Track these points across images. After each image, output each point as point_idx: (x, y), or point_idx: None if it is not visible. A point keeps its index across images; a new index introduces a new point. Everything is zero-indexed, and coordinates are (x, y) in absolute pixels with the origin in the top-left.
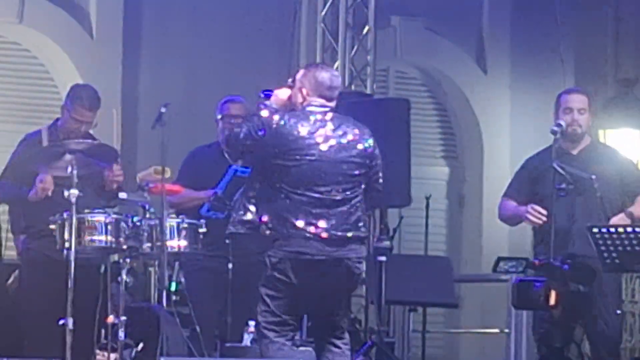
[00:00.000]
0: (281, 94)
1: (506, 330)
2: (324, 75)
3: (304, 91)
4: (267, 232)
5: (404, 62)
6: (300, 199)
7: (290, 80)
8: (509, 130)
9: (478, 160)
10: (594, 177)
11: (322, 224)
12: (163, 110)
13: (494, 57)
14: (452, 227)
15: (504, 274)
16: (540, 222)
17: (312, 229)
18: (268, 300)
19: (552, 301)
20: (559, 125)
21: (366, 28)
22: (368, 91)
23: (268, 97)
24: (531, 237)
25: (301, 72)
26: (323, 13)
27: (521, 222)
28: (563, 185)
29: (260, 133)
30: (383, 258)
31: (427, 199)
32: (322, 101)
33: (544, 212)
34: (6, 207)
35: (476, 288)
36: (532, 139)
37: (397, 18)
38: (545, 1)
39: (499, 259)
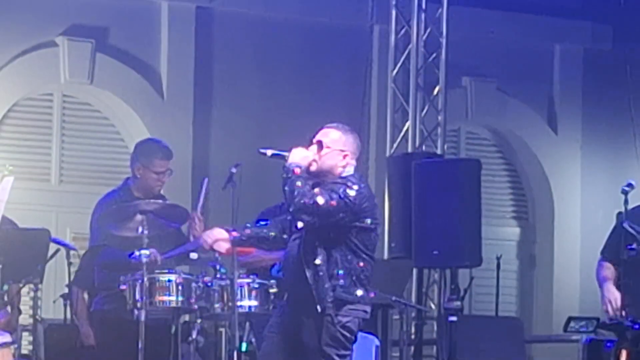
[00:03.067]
0: (300, 153)
1: None
2: (359, 142)
3: (348, 155)
4: (346, 296)
5: (474, 122)
6: (370, 262)
7: (315, 140)
8: (580, 191)
9: (549, 221)
10: None
11: None
12: (234, 170)
13: (564, 117)
14: (522, 288)
15: (575, 333)
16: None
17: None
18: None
19: None
20: (630, 185)
21: (437, 88)
22: (439, 152)
23: (278, 156)
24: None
25: (337, 133)
26: (394, 73)
27: None
28: (634, 246)
29: (351, 194)
30: (454, 318)
31: (498, 259)
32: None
33: (618, 305)
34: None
35: (547, 348)
36: (603, 199)
37: (467, 79)
38: (617, 61)
39: (570, 319)
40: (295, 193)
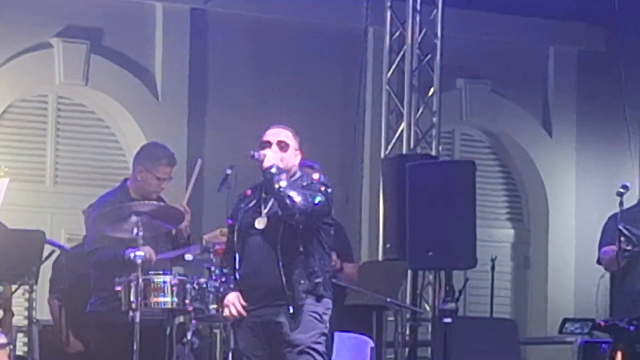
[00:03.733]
0: (274, 155)
1: None
2: None
3: (299, 154)
4: (325, 292)
5: (469, 124)
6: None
7: (276, 140)
8: (575, 193)
9: (543, 222)
10: None
11: None
12: (229, 172)
13: (559, 119)
14: (517, 289)
15: (570, 335)
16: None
17: None
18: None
19: None
20: (625, 187)
21: (431, 90)
22: (433, 153)
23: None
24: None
25: (289, 133)
26: (389, 75)
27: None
28: (629, 247)
29: (329, 191)
30: (448, 320)
31: (493, 261)
32: None
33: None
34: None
35: (542, 350)
36: (598, 201)
37: (462, 80)
38: (611, 64)
39: (565, 321)
40: (294, 196)
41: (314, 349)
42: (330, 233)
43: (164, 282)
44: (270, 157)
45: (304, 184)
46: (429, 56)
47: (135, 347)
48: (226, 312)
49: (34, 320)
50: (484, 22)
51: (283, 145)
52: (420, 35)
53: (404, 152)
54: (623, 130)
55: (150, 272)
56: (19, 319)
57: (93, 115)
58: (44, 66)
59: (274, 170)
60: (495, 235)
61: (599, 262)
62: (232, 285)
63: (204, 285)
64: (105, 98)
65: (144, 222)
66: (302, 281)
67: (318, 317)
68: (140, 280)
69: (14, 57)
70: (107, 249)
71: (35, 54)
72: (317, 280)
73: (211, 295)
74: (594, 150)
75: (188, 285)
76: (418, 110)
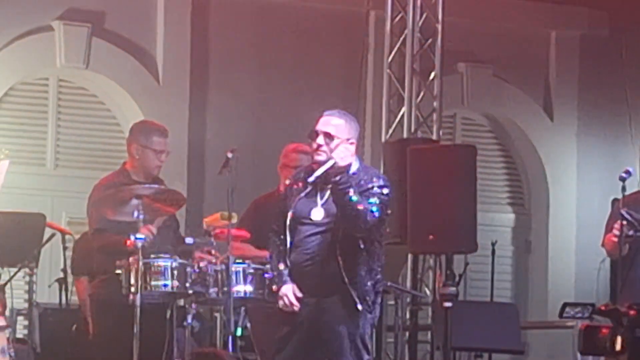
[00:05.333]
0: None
1: None
2: (358, 125)
3: (354, 143)
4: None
5: (470, 108)
6: None
7: (321, 130)
8: (576, 177)
9: (544, 207)
10: None
11: None
12: (230, 155)
13: (561, 104)
14: (518, 274)
15: (570, 319)
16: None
17: None
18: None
19: (618, 347)
20: (628, 172)
21: (432, 74)
22: (434, 137)
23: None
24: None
25: (341, 122)
26: (390, 59)
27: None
28: (631, 232)
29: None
30: (449, 304)
31: (493, 245)
32: None
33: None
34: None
35: (542, 334)
36: (599, 185)
37: (463, 65)
38: (613, 48)
39: (565, 305)
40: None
41: (362, 337)
42: (385, 230)
43: (165, 265)
44: (324, 154)
45: (363, 188)
46: (430, 40)
47: (135, 330)
48: (280, 303)
49: (35, 304)
50: (485, 6)
51: (329, 138)
52: (422, 19)
53: (405, 136)
54: (625, 115)
55: (151, 256)
56: (19, 302)
57: (94, 98)
58: (45, 49)
59: (330, 163)
60: (496, 220)
61: (603, 244)
62: (285, 277)
63: (205, 269)
64: (106, 81)
65: (145, 205)
66: (367, 280)
67: (369, 308)
68: (141, 263)
69: (15, 40)
70: (109, 233)
71: (37, 36)
72: (377, 277)
73: (211, 279)
74: (596, 135)
75: (188, 269)
76: (419, 95)
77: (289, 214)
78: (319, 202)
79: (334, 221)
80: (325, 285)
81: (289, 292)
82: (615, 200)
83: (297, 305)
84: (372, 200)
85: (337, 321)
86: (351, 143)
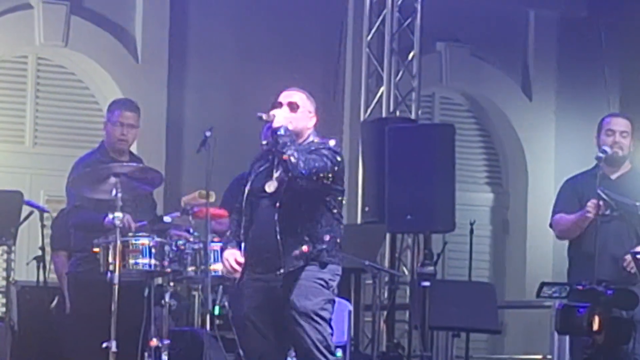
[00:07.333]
0: (284, 116)
1: (549, 356)
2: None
3: (314, 116)
4: (330, 259)
5: (449, 88)
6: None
7: (287, 101)
8: (554, 157)
9: (522, 187)
10: (638, 204)
11: None
12: (208, 134)
13: (539, 83)
14: (496, 253)
15: (548, 299)
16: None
17: None
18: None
19: (595, 327)
20: (604, 151)
21: (411, 54)
22: (413, 117)
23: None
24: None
25: (302, 95)
26: (369, 38)
27: (581, 229)
28: (607, 212)
29: (339, 159)
30: (427, 283)
31: (471, 224)
32: None
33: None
34: (50, 231)
35: (520, 314)
36: (577, 165)
37: (442, 44)
38: (591, 28)
39: (543, 284)
40: (295, 159)
41: (319, 315)
42: (340, 199)
43: (142, 244)
44: (280, 119)
45: (312, 148)
46: (409, 19)
47: (113, 308)
48: (222, 269)
49: (12, 281)
50: None
51: (294, 107)
52: None
53: (384, 115)
54: (603, 95)
55: (129, 234)
56: None
57: (73, 76)
58: (23, 27)
59: (281, 131)
60: (474, 199)
61: (551, 226)
62: (232, 244)
63: (183, 247)
64: (85, 59)
65: (123, 183)
66: (299, 246)
67: (324, 283)
68: (119, 241)
69: None
70: (87, 210)
71: (15, 14)
72: (322, 247)
73: (189, 258)
74: (574, 115)
75: (166, 247)
76: (398, 74)
77: (246, 189)
78: (275, 175)
79: (279, 188)
80: (271, 259)
81: (230, 257)
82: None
83: (237, 270)
84: (315, 156)
85: (291, 299)
86: (311, 117)
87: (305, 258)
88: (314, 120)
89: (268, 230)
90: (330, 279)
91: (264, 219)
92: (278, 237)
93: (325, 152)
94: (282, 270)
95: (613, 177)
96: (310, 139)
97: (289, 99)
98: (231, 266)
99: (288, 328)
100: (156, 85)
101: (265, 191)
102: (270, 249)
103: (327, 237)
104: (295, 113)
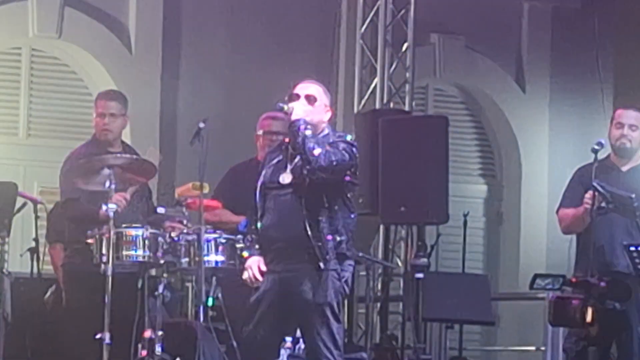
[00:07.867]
0: (303, 108)
1: (542, 348)
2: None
3: (329, 110)
4: (347, 252)
5: (442, 79)
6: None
7: (304, 93)
8: (547, 149)
9: (516, 178)
10: (633, 196)
11: None
12: (201, 125)
13: (533, 75)
14: (489, 245)
15: (541, 291)
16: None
17: None
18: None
19: (588, 318)
20: (600, 143)
21: (405, 45)
22: (406, 108)
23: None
24: (567, 253)
25: (319, 88)
26: (362, 30)
27: (584, 222)
28: (603, 204)
29: (356, 154)
30: (420, 275)
31: (465, 216)
32: None
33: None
34: (44, 222)
35: (513, 305)
36: (571, 157)
37: (436, 36)
38: (585, 20)
39: (536, 276)
40: (316, 151)
41: (330, 306)
42: (354, 194)
43: (136, 235)
44: (299, 111)
45: (330, 141)
46: (403, 11)
47: (107, 300)
48: (244, 275)
49: (6, 273)
50: None
51: (311, 99)
52: None
53: (377, 107)
54: (597, 87)
55: (123, 225)
56: None
57: (66, 68)
58: (17, 18)
59: (300, 124)
60: (468, 191)
61: (563, 227)
62: (257, 248)
63: (176, 239)
64: (78, 51)
65: (116, 174)
66: (329, 238)
67: (337, 276)
68: (112, 233)
69: None
70: (81, 202)
71: (9, 6)
72: (341, 238)
73: (183, 249)
74: (568, 107)
75: (160, 239)
76: (391, 65)
77: (260, 181)
78: (289, 167)
79: (300, 180)
80: (291, 250)
81: (254, 265)
82: (578, 169)
83: (259, 280)
84: (333, 150)
85: (304, 290)
86: (327, 111)
87: (325, 250)
88: (329, 114)
89: (289, 219)
90: (343, 270)
91: (281, 209)
92: (306, 225)
93: (343, 145)
94: (322, 264)
95: (624, 169)
96: (326, 132)
97: (306, 91)
98: (254, 275)
99: (295, 319)
100: (150, 77)
101: (279, 183)
102: (289, 238)
103: (343, 230)
104: (312, 106)
